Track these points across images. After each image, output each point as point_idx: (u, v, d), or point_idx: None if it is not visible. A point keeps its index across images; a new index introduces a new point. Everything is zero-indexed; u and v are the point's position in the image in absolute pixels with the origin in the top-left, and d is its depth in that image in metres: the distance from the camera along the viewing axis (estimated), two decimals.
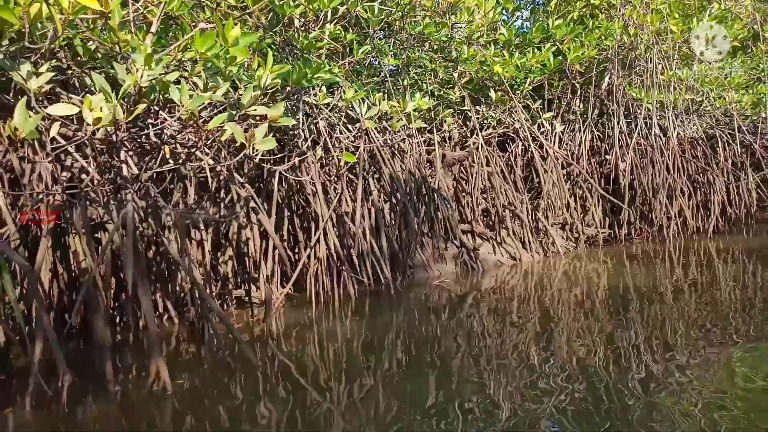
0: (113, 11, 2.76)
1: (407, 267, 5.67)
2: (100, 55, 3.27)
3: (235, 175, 3.96)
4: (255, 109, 3.10)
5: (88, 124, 2.54)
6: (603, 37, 7.63)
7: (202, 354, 3.76)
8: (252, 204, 4.00)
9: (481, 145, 6.69)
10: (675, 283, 5.64)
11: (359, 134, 5.17)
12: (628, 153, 7.98)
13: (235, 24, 2.90)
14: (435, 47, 6.85)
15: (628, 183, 7.97)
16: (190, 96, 2.71)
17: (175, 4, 3.24)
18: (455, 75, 6.95)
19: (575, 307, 4.82)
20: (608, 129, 8.36)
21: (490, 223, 7.23)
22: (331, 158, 5.04)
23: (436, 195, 6.08)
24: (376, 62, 6.39)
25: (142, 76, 2.62)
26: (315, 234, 4.86)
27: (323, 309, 4.80)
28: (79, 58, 3.37)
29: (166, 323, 4.26)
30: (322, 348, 3.96)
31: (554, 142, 7.85)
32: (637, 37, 7.86)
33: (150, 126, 3.14)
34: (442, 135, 6.93)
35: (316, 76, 3.59)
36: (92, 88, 3.10)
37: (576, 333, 4.03)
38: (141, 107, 2.58)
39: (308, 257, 4.88)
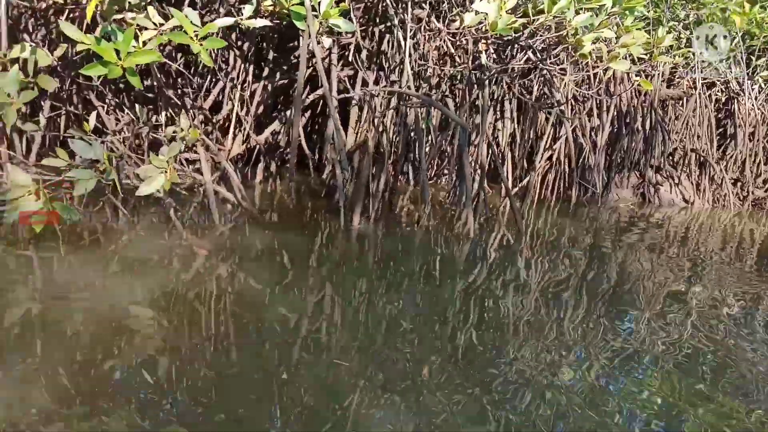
0: None
1: (609, 185, 6.35)
2: None
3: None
4: (602, 31, 3.72)
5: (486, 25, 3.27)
6: None
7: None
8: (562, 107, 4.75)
9: (696, 88, 6.99)
10: None
11: None
12: None
13: None
14: None
15: None
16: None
17: None
18: (682, 14, 7.12)
19: (729, 256, 5.19)
20: None
21: (672, 163, 7.65)
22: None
23: (655, 126, 6.57)
24: None
25: None
26: (549, 142, 5.58)
27: (541, 204, 5.68)
28: None
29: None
30: (536, 227, 5.06)
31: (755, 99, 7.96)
32: None
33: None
34: (654, 71, 7.24)
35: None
36: None
37: (724, 277, 4.38)
38: (540, 18, 3.28)
39: (540, 160, 5.64)
